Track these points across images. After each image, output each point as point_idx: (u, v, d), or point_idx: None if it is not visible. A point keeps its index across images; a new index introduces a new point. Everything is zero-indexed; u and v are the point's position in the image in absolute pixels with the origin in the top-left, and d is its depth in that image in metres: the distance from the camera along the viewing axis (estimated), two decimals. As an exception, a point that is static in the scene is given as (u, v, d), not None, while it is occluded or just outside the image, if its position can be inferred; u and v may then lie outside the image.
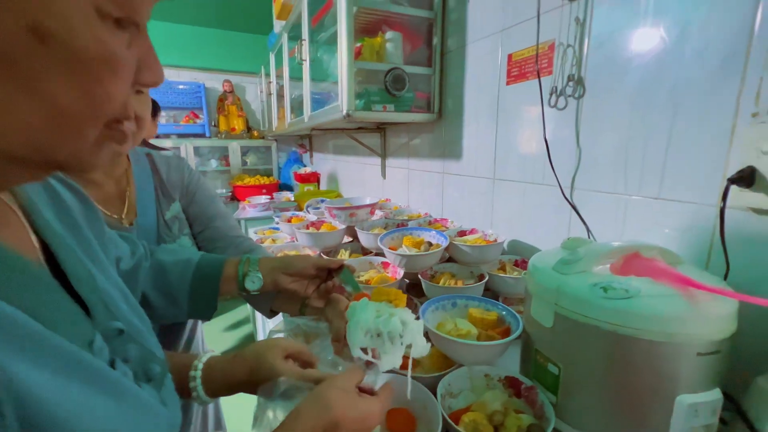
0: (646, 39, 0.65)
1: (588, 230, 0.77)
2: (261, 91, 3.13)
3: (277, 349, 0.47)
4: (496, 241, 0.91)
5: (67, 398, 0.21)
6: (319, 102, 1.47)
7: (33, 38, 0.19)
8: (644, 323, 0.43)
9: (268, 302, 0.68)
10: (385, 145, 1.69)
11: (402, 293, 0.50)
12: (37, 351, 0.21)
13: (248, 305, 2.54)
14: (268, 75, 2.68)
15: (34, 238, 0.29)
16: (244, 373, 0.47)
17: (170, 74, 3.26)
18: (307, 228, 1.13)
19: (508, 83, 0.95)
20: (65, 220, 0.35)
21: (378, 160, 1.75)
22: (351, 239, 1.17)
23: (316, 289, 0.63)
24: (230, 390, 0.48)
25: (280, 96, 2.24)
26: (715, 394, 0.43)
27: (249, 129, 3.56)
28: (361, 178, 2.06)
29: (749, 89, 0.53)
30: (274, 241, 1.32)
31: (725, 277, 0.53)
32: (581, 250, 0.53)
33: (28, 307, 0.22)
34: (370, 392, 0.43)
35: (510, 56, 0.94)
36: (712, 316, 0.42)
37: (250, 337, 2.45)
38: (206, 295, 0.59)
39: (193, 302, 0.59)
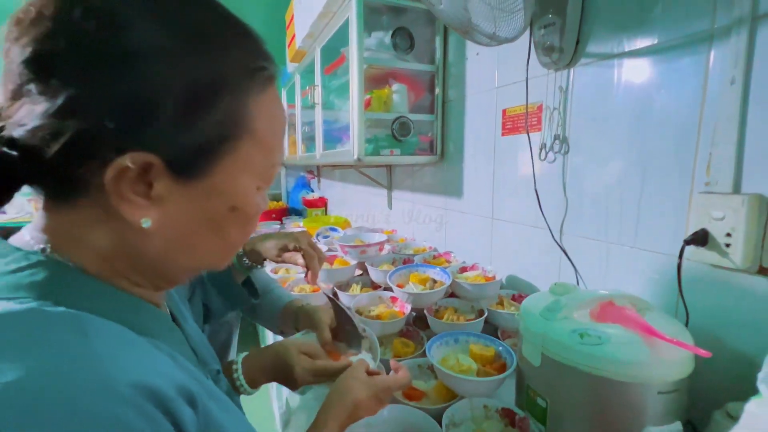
0: (617, 107, 0.76)
1: (576, 272, 0.86)
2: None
3: (296, 344, 0.63)
4: (494, 278, 1.00)
5: (229, 422, 0.31)
6: (331, 134, 1.59)
7: (230, 212, 0.32)
8: (613, 366, 0.51)
9: (275, 322, 0.83)
10: (390, 179, 1.80)
11: None
12: (205, 389, 0.31)
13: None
14: (279, 105, 2.84)
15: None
16: (271, 357, 0.61)
17: (186, 105, 3.43)
18: (321, 263, 1.23)
19: (503, 134, 1.06)
20: None
21: (384, 192, 1.86)
22: (361, 272, 1.26)
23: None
24: (263, 374, 0.61)
25: (291, 125, 2.38)
26: (676, 427, 0.51)
27: (259, 155, 3.71)
28: (367, 206, 2.16)
29: (702, 161, 0.63)
30: (288, 271, 1.41)
31: (686, 324, 0.62)
32: (563, 299, 0.62)
33: (186, 358, 0.33)
34: (378, 374, 0.57)
35: (504, 111, 1.05)
36: (669, 360, 0.51)
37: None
38: (228, 284, 0.75)
39: (222, 296, 0.75)
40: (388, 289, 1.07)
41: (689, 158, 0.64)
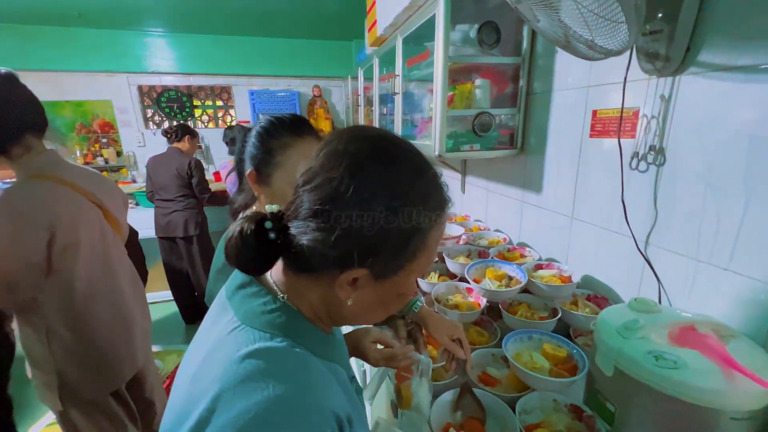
0: (726, 123, 0.72)
1: (660, 285, 0.87)
2: (347, 97, 3.40)
3: (369, 335, 0.76)
4: (570, 279, 1.03)
5: None
6: (407, 121, 1.66)
7: (397, 296, 0.45)
8: (686, 391, 0.56)
9: None
10: (465, 165, 1.83)
11: None
12: (355, 410, 0.44)
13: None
14: (355, 78, 2.91)
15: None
16: (351, 344, 0.76)
17: (269, 83, 3.71)
18: (402, 250, 1.36)
19: (591, 136, 1.04)
20: None
21: (458, 176, 1.90)
22: (437, 260, 1.37)
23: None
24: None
25: (369, 102, 2.47)
26: (745, 450, 0.56)
27: (334, 129, 3.91)
28: (439, 187, 2.22)
29: (820, 194, 0.60)
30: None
31: (774, 356, 0.63)
32: (642, 318, 0.67)
33: (345, 369, 0.48)
34: None
35: (594, 112, 1.03)
36: (745, 392, 0.54)
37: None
38: None
39: None
40: (463, 279, 1.17)
41: (805, 188, 0.61)
